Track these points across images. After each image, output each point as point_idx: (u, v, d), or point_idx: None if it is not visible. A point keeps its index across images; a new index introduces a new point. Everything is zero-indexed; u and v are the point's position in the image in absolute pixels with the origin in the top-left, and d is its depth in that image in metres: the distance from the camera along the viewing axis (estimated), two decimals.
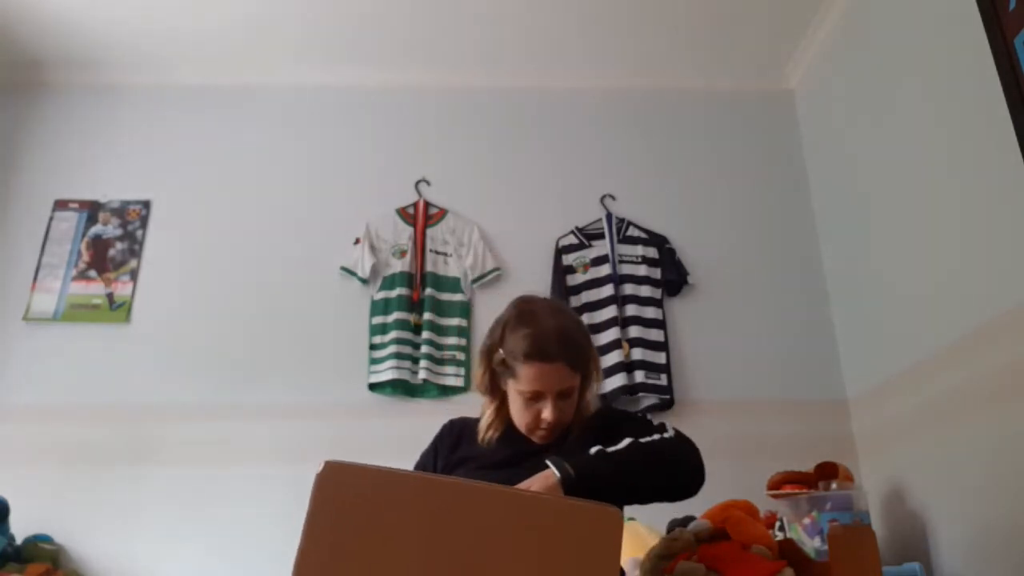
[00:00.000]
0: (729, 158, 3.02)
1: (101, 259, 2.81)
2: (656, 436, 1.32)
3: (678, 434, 1.35)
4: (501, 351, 1.39)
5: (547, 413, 1.36)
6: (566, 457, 1.20)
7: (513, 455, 1.39)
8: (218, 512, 2.45)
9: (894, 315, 2.35)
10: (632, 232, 2.85)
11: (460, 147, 3.03)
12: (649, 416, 1.48)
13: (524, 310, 1.41)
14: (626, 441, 1.27)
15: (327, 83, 3.09)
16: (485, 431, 1.46)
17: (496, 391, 1.45)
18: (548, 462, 1.19)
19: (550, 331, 1.36)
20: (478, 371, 1.47)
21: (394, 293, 2.71)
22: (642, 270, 2.78)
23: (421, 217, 2.87)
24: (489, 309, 2.75)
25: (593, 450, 1.24)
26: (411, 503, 0.87)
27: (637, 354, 2.63)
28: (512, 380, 1.38)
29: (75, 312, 2.72)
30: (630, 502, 1.30)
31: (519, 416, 1.41)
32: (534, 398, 1.37)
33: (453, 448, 1.49)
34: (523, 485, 1.16)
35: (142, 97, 3.06)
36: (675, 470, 1.29)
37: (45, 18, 2.80)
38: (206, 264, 2.81)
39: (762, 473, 2.32)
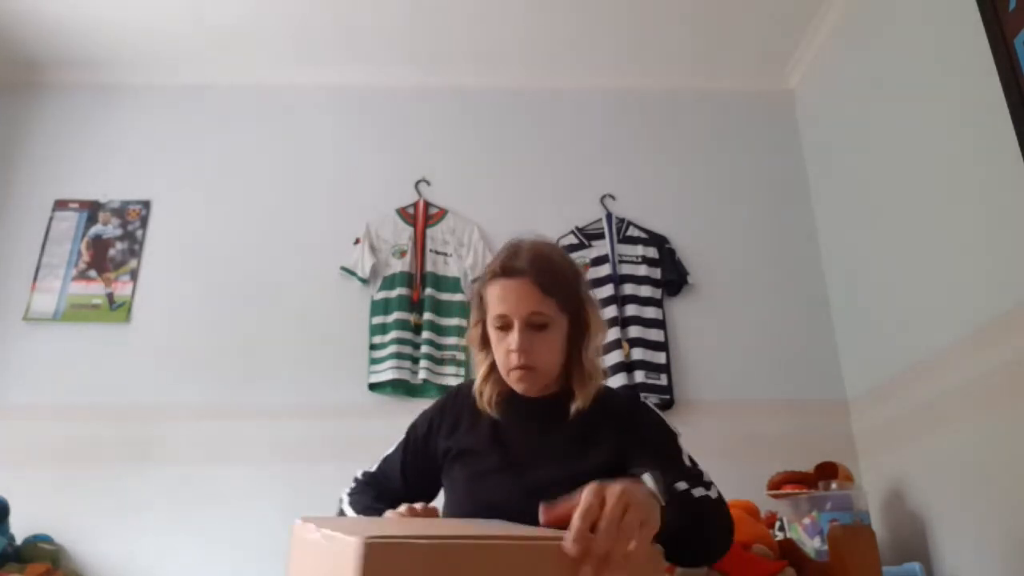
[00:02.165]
0: (729, 158, 3.02)
1: (101, 259, 2.81)
2: (705, 492, 1.08)
3: (720, 496, 1.12)
4: (478, 288, 1.27)
5: (513, 340, 1.19)
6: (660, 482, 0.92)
7: (516, 442, 1.21)
8: (218, 511, 2.45)
9: (894, 315, 2.35)
10: (632, 232, 2.85)
11: (460, 147, 3.03)
12: (678, 436, 1.23)
13: (508, 243, 1.28)
14: (698, 491, 1.06)
15: (327, 83, 3.09)
16: (481, 391, 1.29)
17: (487, 343, 1.29)
18: (647, 477, 0.89)
19: (523, 248, 1.23)
20: (471, 323, 1.32)
21: (394, 293, 2.71)
22: (642, 270, 2.78)
23: (421, 217, 2.87)
24: None
25: (680, 487, 1.03)
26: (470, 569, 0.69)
27: (637, 354, 2.63)
28: (488, 316, 1.24)
29: (75, 312, 2.72)
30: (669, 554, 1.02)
31: (497, 358, 1.25)
32: (504, 327, 1.21)
33: (451, 432, 1.31)
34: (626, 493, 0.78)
35: (142, 97, 3.06)
36: (722, 543, 1.08)
37: (45, 18, 2.80)
38: (206, 264, 2.81)
39: (762, 473, 2.32)
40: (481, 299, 1.26)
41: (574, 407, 1.21)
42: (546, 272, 1.21)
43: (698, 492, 1.07)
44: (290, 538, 0.82)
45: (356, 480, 1.33)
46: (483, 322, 1.28)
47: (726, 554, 1.10)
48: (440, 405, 1.36)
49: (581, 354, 1.25)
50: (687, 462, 1.17)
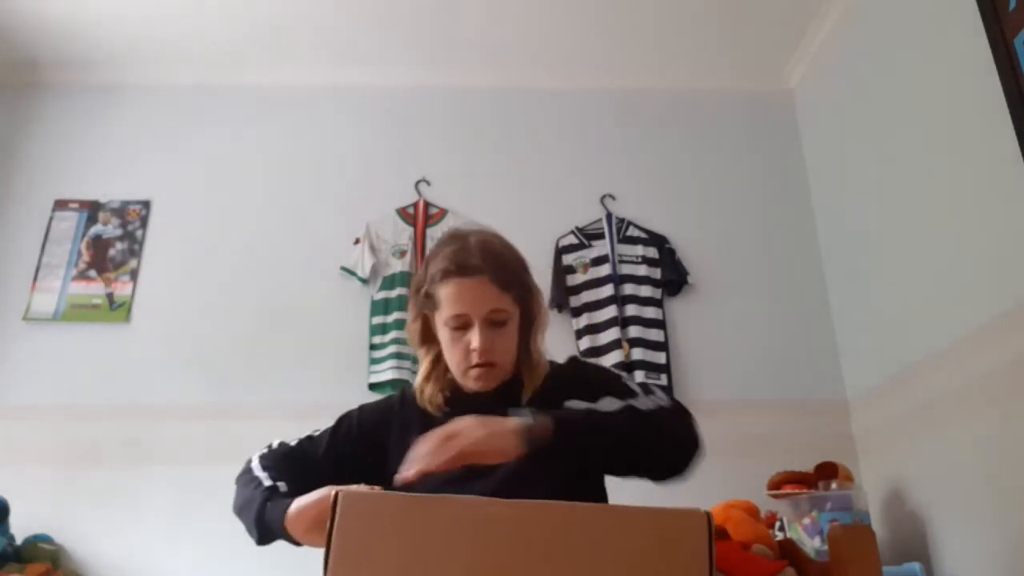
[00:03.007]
0: (729, 158, 3.02)
1: (101, 259, 2.81)
2: (654, 405, 1.12)
3: (676, 402, 1.17)
4: (425, 285, 1.23)
5: (475, 339, 1.17)
6: (543, 410, 1.02)
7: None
8: (218, 512, 2.44)
9: (894, 315, 2.35)
10: (632, 232, 2.85)
11: (460, 147, 3.03)
12: (620, 376, 1.26)
13: (448, 234, 1.26)
14: (617, 404, 1.09)
15: (327, 83, 3.09)
16: (422, 389, 1.26)
17: (430, 338, 1.27)
18: (518, 413, 1.01)
19: (472, 245, 1.21)
20: (410, 318, 1.29)
21: (394, 293, 2.71)
22: (642, 270, 2.78)
23: (421, 217, 2.87)
24: None
25: (582, 406, 1.07)
26: (450, 530, 0.75)
27: (637, 354, 2.63)
28: (437, 313, 1.21)
29: (75, 312, 2.72)
30: (615, 474, 1.14)
31: (451, 357, 1.22)
32: (461, 326, 1.19)
33: (400, 439, 1.24)
34: (452, 428, 0.97)
35: (142, 97, 3.06)
36: (680, 449, 1.10)
37: (45, 18, 2.80)
38: (206, 264, 2.81)
39: (762, 473, 2.32)
40: (428, 297, 1.22)
41: (525, 398, 1.21)
42: (501, 269, 1.20)
43: (646, 403, 1.10)
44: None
45: (270, 448, 1.29)
46: (423, 318, 1.26)
47: (690, 464, 1.11)
48: (387, 407, 1.33)
49: (530, 344, 1.26)
50: (630, 385, 1.19)
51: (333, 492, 0.76)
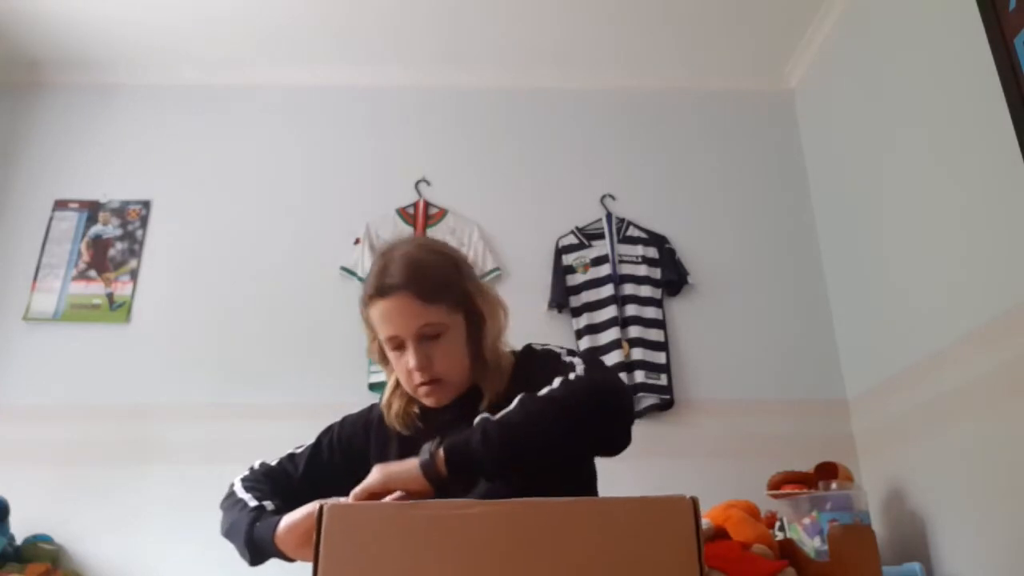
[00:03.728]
0: (729, 158, 3.02)
1: (101, 259, 2.81)
2: (557, 382, 1.03)
3: (588, 371, 1.06)
4: (361, 309, 1.19)
5: (410, 360, 1.12)
6: (448, 436, 0.98)
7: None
8: (218, 512, 2.45)
9: (894, 315, 2.35)
10: (632, 232, 2.85)
11: (460, 147, 3.03)
12: (567, 352, 1.17)
13: (377, 251, 1.20)
14: (517, 399, 1.01)
15: (327, 83, 3.09)
16: (390, 404, 1.23)
17: (386, 357, 1.22)
18: (424, 447, 0.97)
19: (394, 261, 1.15)
20: (367, 339, 1.25)
21: None
22: (642, 270, 2.78)
23: (421, 217, 2.87)
24: None
25: (477, 419, 1.00)
26: (437, 532, 0.76)
27: (637, 354, 2.63)
28: (379, 337, 1.17)
29: (75, 312, 2.72)
30: (544, 467, 1.03)
31: (400, 378, 1.19)
32: (397, 347, 1.15)
33: (379, 454, 1.23)
34: (372, 481, 0.95)
35: (142, 97, 3.06)
36: (581, 427, 1.00)
37: (45, 18, 2.80)
38: (206, 264, 2.81)
39: (762, 473, 2.32)
40: (366, 320, 1.19)
41: (482, 406, 1.14)
42: (423, 280, 1.13)
43: (545, 391, 1.01)
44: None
45: (252, 469, 1.28)
46: (375, 338, 1.21)
47: (623, 435, 1.03)
48: (367, 420, 1.30)
49: (482, 349, 1.19)
50: (565, 360, 1.12)
51: (318, 506, 0.76)
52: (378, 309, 1.14)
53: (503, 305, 1.24)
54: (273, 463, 1.29)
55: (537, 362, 1.18)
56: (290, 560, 1.09)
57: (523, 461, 0.98)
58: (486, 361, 1.19)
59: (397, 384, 1.24)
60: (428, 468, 0.94)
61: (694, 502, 0.76)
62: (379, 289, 1.13)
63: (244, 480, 1.25)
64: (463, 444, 0.96)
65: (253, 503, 1.17)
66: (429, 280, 1.14)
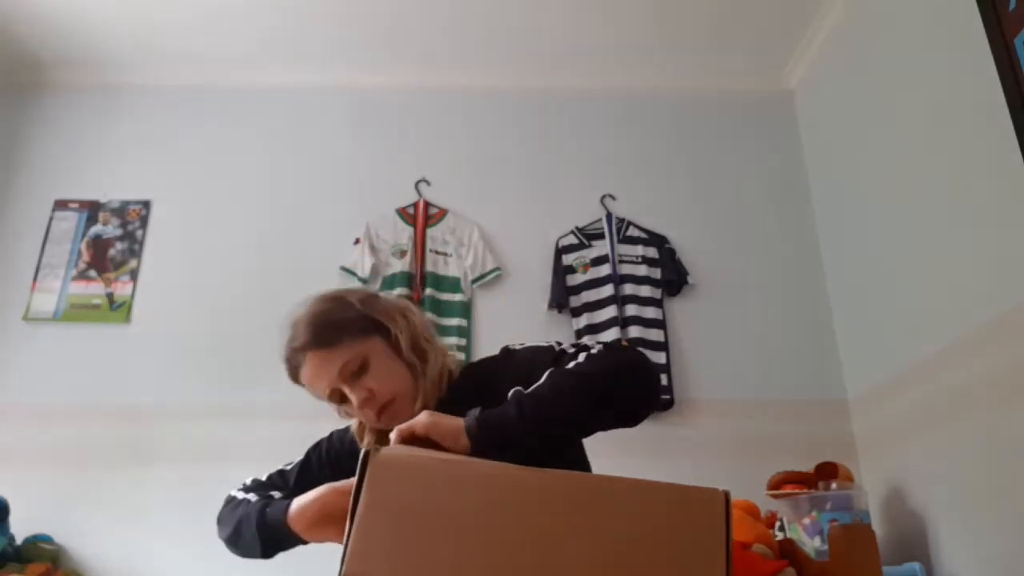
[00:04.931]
0: (729, 158, 3.02)
1: (101, 259, 2.81)
2: (582, 357, 1.05)
3: (607, 346, 1.07)
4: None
5: (354, 398, 1.15)
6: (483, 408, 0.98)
7: None
8: (218, 511, 2.45)
9: (894, 315, 2.35)
10: (632, 232, 2.85)
11: (460, 147, 3.03)
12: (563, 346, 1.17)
13: (282, 325, 1.26)
14: (546, 374, 1.02)
15: (327, 83, 3.09)
16: (360, 436, 1.28)
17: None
18: (470, 413, 0.98)
19: (296, 325, 1.21)
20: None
21: (394, 293, 2.71)
22: (642, 270, 2.78)
23: (421, 217, 2.87)
24: (489, 309, 2.76)
25: (511, 392, 1.00)
26: (477, 489, 0.77)
27: None
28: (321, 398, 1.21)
29: (75, 312, 2.72)
30: (570, 440, 1.11)
31: (361, 419, 1.24)
32: (337, 400, 1.19)
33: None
34: (419, 422, 0.96)
35: (142, 97, 3.06)
36: (609, 400, 1.01)
37: (45, 18, 2.80)
38: (206, 264, 2.81)
39: (762, 473, 2.32)
40: (309, 391, 1.22)
41: (417, 404, 1.16)
42: (320, 329, 1.17)
43: (571, 365, 1.03)
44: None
45: (244, 484, 1.30)
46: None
47: (652, 401, 1.06)
48: (352, 437, 1.32)
49: (406, 360, 1.20)
50: (559, 349, 1.13)
51: (364, 450, 0.77)
52: (304, 377, 1.19)
53: (400, 308, 1.26)
54: (263, 478, 1.32)
55: (520, 357, 1.18)
56: (303, 542, 1.08)
57: (554, 433, 0.99)
58: (414, 370, 1.20)
59: (361, 423, 1.27)
60: (472, 432, 0.95)
61: (726, 495, 0.78)
62: (290, 357, 1.19)
63: (240, 490, 1.28)
64: (501, 415, 0.97)
65: (257, 498, 1.20)
66: (325, 327, 1.18)
